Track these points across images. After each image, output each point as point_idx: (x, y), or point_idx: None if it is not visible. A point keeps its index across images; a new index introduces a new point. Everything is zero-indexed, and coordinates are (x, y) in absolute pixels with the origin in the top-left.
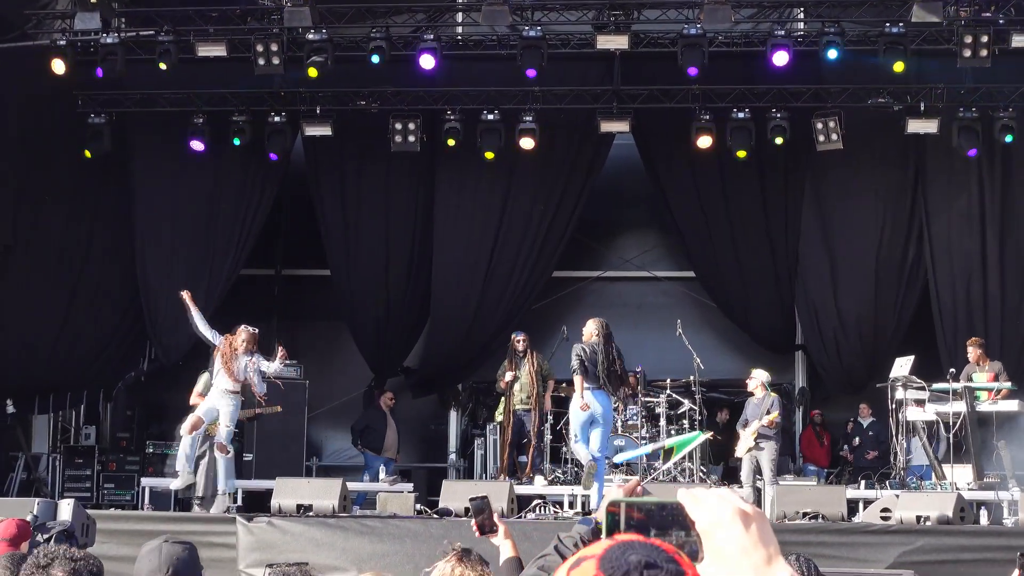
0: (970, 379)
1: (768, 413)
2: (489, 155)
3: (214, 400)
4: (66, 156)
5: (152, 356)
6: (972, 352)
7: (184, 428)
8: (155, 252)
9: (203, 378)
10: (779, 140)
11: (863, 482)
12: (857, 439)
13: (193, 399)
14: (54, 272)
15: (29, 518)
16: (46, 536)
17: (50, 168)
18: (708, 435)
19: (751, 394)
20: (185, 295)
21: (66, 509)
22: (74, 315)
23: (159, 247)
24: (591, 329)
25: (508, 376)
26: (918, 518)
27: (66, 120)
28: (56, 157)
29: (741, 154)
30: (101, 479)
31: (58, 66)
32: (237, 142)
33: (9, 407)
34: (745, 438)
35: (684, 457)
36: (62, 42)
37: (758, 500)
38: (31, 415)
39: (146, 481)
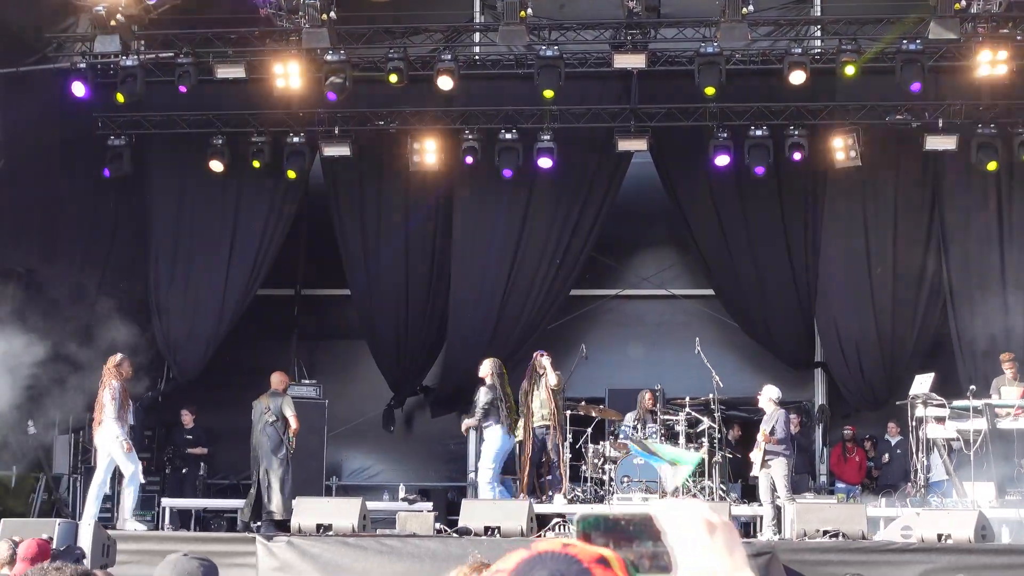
0: (999, 392)
1: (772, 431)
2: (506, 171)
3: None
4: (85, 178)
5: (169, 375)
6: (1008, 367)
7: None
8: (171, 272)
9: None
10: (797, 157)
11: (884, 500)
12: (886, 456)
13: None
14: (73, 293)
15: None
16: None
17: (69, 190)
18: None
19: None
20: None
21: (87, 530)
22: (93, 334)
23: (176, 267)
24: (491, 369)
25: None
26: (939, 536)
27: (86, 142)
28: (75, 179)
29: (759, 169)
30: (121, 499)
31: (78, 88)
32: (257, 164)
33: (31, 428)
34: (755, 456)
35: (704, 475)
36: (82, 65)
37: (778, 518)
38: (52, 436)
39: (166, 501)
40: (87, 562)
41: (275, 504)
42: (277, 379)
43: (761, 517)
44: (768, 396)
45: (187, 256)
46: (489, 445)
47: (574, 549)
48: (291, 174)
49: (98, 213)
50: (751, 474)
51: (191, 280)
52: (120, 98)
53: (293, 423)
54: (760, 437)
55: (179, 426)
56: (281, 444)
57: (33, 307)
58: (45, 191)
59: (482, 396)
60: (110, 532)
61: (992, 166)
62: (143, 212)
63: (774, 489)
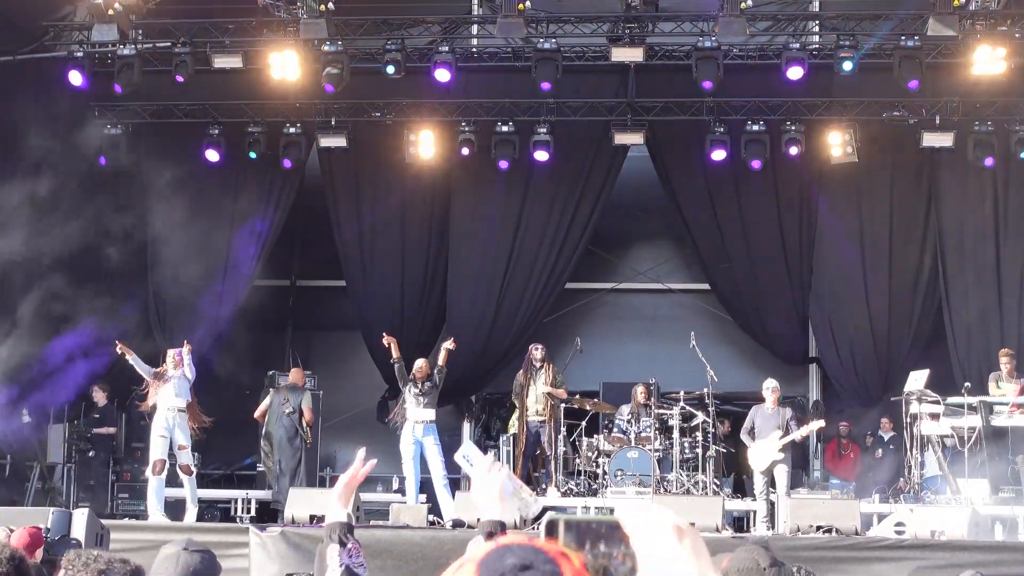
0: (996, 384)
1: (790, 427)
2: (503, 164)
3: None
4: (82, 167)
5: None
6: (1006, 363)
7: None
8: (168, 263)
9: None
10: (794, 152)
11: (877, 496)
12: (879, 452)
13: (258, 414)
14: (69, 282)
15: (42, 527)
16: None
17: (66, 179)
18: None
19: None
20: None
21: (80, 519)
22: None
23: (173, 258)
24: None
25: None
26: (932, 532)
27: (82, 130)
28: (72, 168)
29: (755, 164)
30: (115, 489)
31: (75, 77)
32: (253, 155)
33: (25, 417)
34: (770, 451)
35: (697, 470)
36: (79, 53)
37: (771, 514)
38: (46, 424)
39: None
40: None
41: (284, 492)
42: (297, 375)
43: (755, 512)
44: (774, 389)
45: (184, 246)
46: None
47: (538, 543)
48: (287, 164)
49: (94, 202)
50: (758, 469)
51: (189, 271)
52: (117, 87)
53: (307, 415)
54: (810, 429)
55: (90, 404)
56: (296, 435)
57: (29, 296)
58: (41, 179)
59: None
60: (103, 521)
61: (989, 159)
62: (140, 202)
63: (770, 485)
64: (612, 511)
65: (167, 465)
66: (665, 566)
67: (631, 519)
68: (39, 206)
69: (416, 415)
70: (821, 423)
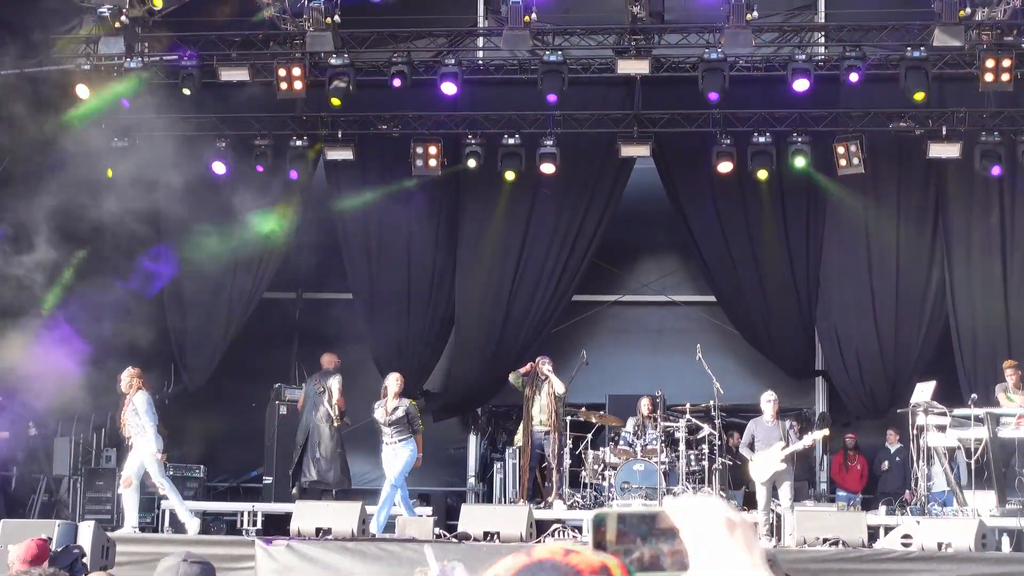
0: (1004, 393)
1: (790, 437)
2: (509, 175)
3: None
4: (89, 179)
5: (175, 379)
6: (1011, 374)
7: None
8: (178, 276)
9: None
10: (800, 164)
11: (884, 508)
12: (885, 464)
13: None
14: (80, 296)
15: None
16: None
17: (74, 192)
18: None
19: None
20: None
21: (87, 532)
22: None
23: (182, 270)
24: (400, 385)
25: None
26: (940, 544)
27: (90, 143)
28: (79, 181)
29: (762, 176)
30: (121, 501)
31: (82, 90)
32: (260, 168)
33: (31, 429)
34: (772, 462)
35: (704, 483)
36: (86, 67)
37: (776, 526)
38: (53, 437)
39: (166, 504)
40: (87, 562)
41: (320, 473)
42: (328, 358)
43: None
44: (775, 402)
45: (193, 259)
46: (409, 459)
47: (575, 557)
48: (293, 174)
49: (104, 216)
50: (759, 481)
51: (198, 284)
52: (124, 101)
53: (336, 396)
54: (814, 439)
55: None
56: (329, 417)
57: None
58: (50, 193)
59: (412, 411)
60: (109, 534)
61: (996, 168)
62: (148, 215)
63: (774, 497)
64: (662, 504)
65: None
66: (716, 559)
67: (682, 511)
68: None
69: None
70: (825, 432)
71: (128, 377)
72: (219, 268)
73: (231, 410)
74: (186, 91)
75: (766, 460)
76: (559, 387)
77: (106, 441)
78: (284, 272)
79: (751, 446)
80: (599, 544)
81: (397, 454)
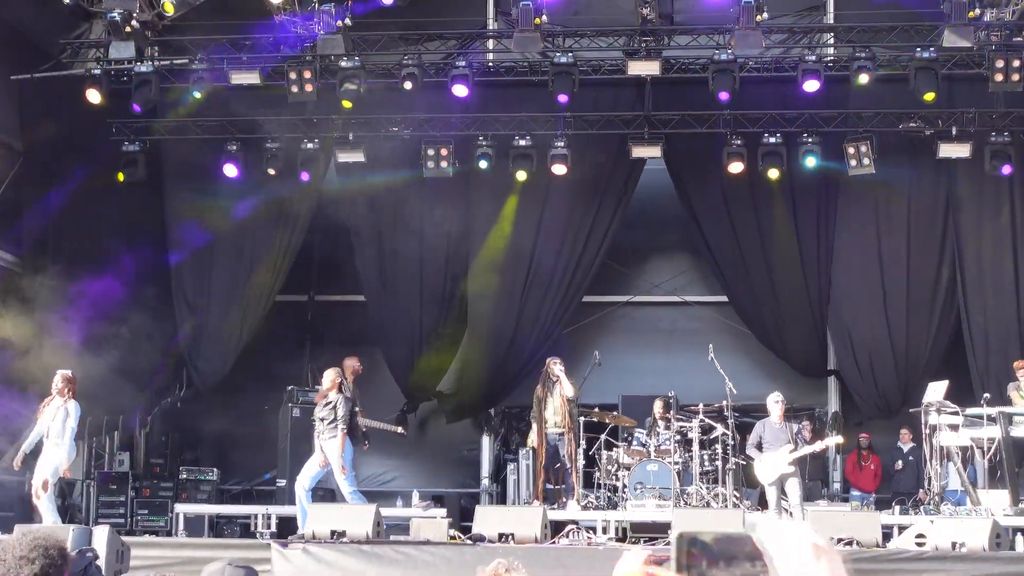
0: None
1: (797, 440)
2: (520, 177)
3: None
4: (102, 185)
5: (188, 383)
6: (1022, 374)
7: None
8: (191, 279)
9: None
10: (811, 164)
11: (898, 508)
12: (899, 463)
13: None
14: (93, 300)
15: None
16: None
17: (87, 197)
18: None
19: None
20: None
21: (101, 536)
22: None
23: (195, 274)
24: (336, 378)
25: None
26: (954, 544)
27: (101, 148)
28: (92, 186)
29: (773, 176)
30: (135, 505)
31: (93, 95)
32: (272, 171)
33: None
34: (779, 464)
35: (717, 483)
36: (97, 71)
37: None
38: None
39: (180, 507)
40: (101, 564)
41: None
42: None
43: None
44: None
45: (207, 263)
46: (335, 454)
47: None
48: (305, 176)
49: (116, 221)
50: (766, 481)
51: (212, 287)
52: (136, 106)
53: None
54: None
55: None
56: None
57: (52, 313)
58: (62, 197)
59: (341, 406)
60: (124, 539)
61: (1007, 167)
62: (161, 219)
63: (783, 496)
64: (752, 525)
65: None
66: None
67: (768, 535)
68: (60, 222)
69: None
70: (839, 439)
71: (65, 382)
72: (231, 272)
73: (244, 413)
74: (197, 95)
75: (773, 461)
76: (569, 390)
77: (119, 445)
78: (296, 275)
79: (759, 447)
80: (683, 565)
81: (325, 448)
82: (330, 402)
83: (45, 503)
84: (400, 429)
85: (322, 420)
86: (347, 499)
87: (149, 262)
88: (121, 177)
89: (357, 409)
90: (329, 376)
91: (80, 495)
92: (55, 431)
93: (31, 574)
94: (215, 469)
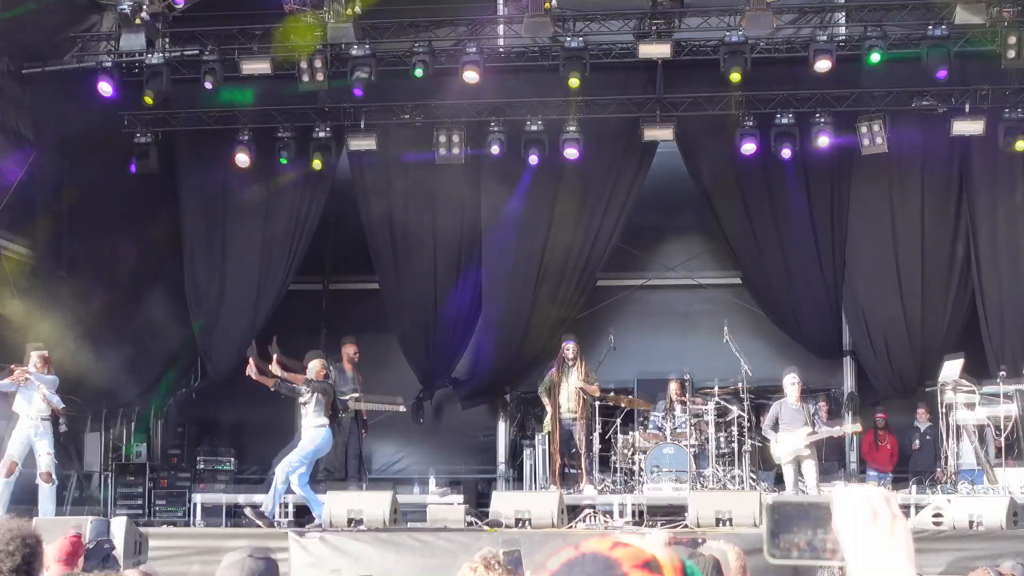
0: None
1: (814, 421)
2: (532, 161)
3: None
4: (114, 177)
5: (203, 372)
6: None
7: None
8: (204, 269)
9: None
10: (824, 144)
11: (915, 486)
12: (916, 442)
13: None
14: (107, 293)
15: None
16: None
17: (99, 190)
18: None
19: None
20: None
21: (119, 526)
22: (128, 336)
23: (208, 263)
24: (321, 368)
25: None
26: (971, 522)
27: (113, 141)
28: (104, 179)
29: (786, 156)
30: (153, 495)
31: (105, 88)
32: (284, 160)
33: (61, 425)
34: (796, 445)
35: (734, 464)
36: (108, 63)
37: None
38: (83, 433)
39: (197, 497)
40: (119, 555)
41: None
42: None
43: None
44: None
45: (220, 253)
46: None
47: (621, 551)
48: (317, 166)
49: (130, 211)
50: (782, 461)
51: (225, 276)
52: (148, 99)
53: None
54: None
55: None
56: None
57: (67, 303)
58: (76, 188)
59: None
60: (142, 529)
61: (1020, 146)
62: (174, 210)
63: (799, 476)
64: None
65: (18, 468)
66: (872, 553)
67: (845, 502)
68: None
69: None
70: (858, 427)
71: (43, 361)
72: (245, 261)
73: (260, 402)
74: (208, 85)
75: (789, 442)
76: (581, 384)
77: (136, 435)
78: (310, 262)
79: (775, 428)
80: (772, 532)
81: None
82: (311, 390)
83: (49, 492)
84: (401, 406)
85: (304, 405)
86: (279, 483)
87: (162, 252)
88: (134, 168)
89: (356, 395)
90: (314, 368)
91: (98, 486)
92: (39, 411)
93: (13, 566)
94: (232, 457)
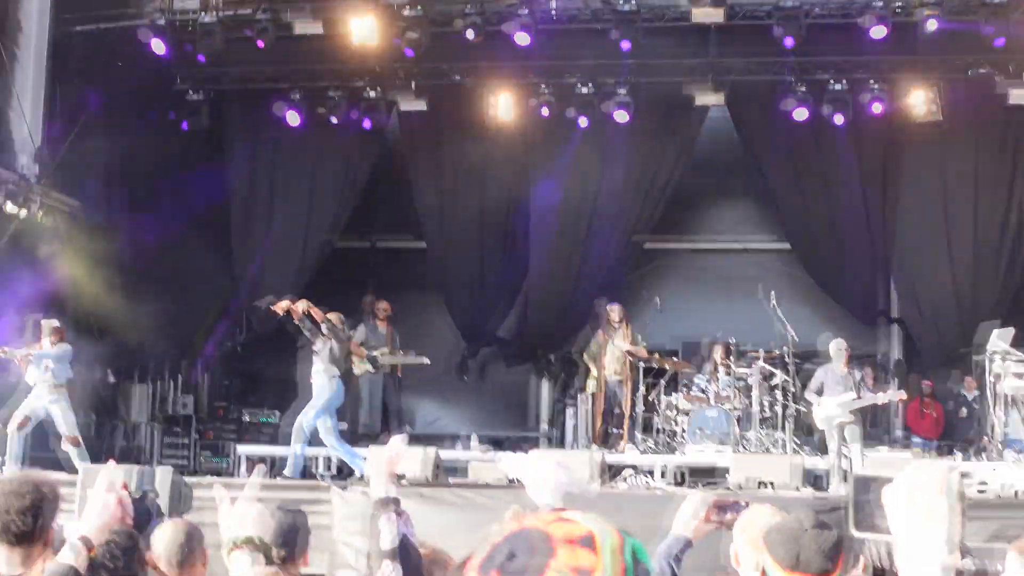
0: None
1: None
2: (582, 123)
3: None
4: (164, 134)
5: (248, 327)
6: None
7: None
8: (251, 225)
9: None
10: (876, 111)
11: (960, 455)
12: (963, 411)
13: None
14: (155, 248)
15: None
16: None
17: (149, 146)
18: None
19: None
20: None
21: (164, 477)
22: (175, 290)
23: (255, 220)
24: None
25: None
26: (1016, 492)
27: (164, 98)
28: (154, 135)
29: (838, 122)
30: (198, 447)
31: (157, 46)
32: (334, 120)
33: (109, 377)
34: (840, 411)
35: (776, 429)
36: (161, 21)
37: (845, 473)
38: (130, 385)
39: (242, 449)
40: (163, 503)
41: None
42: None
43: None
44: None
45: (267, 210)
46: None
47: (556, 528)
48: (367, 126)
49: (177, 168)
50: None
51: (272, 233)
52: (200, 56)
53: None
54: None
55: None
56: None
57: (114, 258)
58: (127, 147)
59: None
60: (186, 479)
61: None
62: (221, 167)
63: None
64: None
65: (31, 423)
66: (913, 524)
67: (906, 475)
68: (125, 170)
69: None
70: (903, 395)
71: (55, 332)
72: (293, 218)
73: (305, 357)
74: (260, 44)
75: (833, 407)
76: (626, 346)
77: (182, 388)
78: (358, 221)
79: (820, 393)
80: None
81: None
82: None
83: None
84: (424, 358)
85: (317, 354)
86: (296, 446)
87: (210, 208)
88: (185, 126)
89: (386, 349)
90: (331, 319)
91: (144, 437)
92: (56, 377)
93: (22, 507)
94: (277, 412)
